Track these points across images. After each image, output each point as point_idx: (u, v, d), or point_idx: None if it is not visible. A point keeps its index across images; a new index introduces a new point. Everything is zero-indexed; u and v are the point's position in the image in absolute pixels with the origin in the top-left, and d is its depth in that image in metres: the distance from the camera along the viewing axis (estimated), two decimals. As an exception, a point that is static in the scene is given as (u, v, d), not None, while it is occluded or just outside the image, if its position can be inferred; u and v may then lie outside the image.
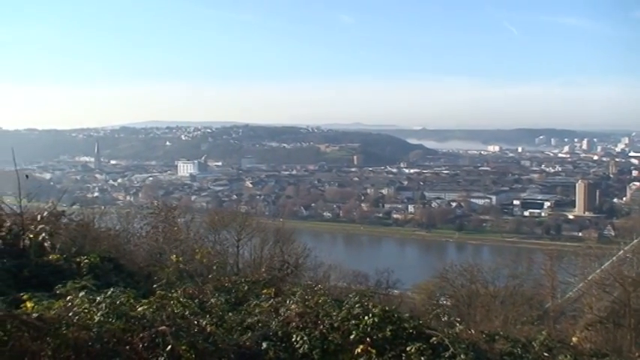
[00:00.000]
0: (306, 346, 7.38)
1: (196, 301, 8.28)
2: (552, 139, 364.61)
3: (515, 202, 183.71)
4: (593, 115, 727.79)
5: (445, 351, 7.35)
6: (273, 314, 8.27)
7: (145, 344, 6.27)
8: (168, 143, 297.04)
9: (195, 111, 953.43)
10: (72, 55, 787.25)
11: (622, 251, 48.21)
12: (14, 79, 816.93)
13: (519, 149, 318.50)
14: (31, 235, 11.16)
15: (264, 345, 7.25)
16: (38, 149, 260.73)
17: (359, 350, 7.30)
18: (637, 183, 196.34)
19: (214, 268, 13.71)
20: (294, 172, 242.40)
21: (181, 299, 7.63)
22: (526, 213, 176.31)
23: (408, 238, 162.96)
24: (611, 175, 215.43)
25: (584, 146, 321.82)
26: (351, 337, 7.48)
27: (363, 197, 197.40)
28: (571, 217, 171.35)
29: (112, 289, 7.26)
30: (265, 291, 10.43)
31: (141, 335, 6.33)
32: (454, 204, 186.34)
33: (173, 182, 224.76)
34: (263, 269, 16.98)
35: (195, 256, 15.39)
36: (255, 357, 7.11)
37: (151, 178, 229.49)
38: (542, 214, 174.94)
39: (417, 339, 7.57)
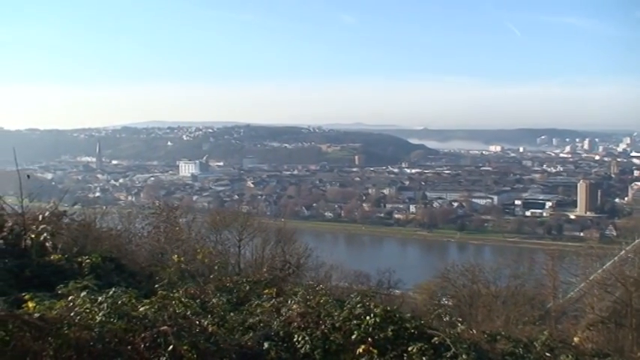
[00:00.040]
0: (308, 346, 7.38)
1: (198, 301, 8.28)
2: (554, 139, 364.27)
3: (517, 202, 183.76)
4: (594, 115, 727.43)
5: (447, 351, 7.34)
6: (274, 314, 8.27)
7: (147, 344, 6.26)
8: (169, 143, 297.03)
9: (196, 111, 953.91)
10: (73, 55, 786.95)
11: (624, 251, 48.16)
12: (16, 79, 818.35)
13: (521, 149, 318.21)
14: (33, 235, 11.16)
15: (266, 345, 7.25)
16: (40, 149, 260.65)
17: (360, 350, 7.29)
18: (639, 183, 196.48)
19: (216, 268, 13.71)
20: (295, 172, 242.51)
21: (183, 299, 7.63)
22: (528, 213, 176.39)
23: (409, 238, 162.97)
24: (613, 175, 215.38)
25: (586, 146, 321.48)
26: (353, 337, 7.48)
27: (364, 197, 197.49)
28: (573, 217, 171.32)
29: (113, 289, 7.26)
30: (267, 291, 10.43)
31: (142, 335, 6.33)
32: (456, 204, 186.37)
33: (174, 182, 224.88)
34: (264, 269, 16.98)
35: (197, 256, 15.39)
36: (256, 357, 7.11)
37: (152, 178, 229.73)
38: (544, 214, 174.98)
39: (418, 339, 7.56)
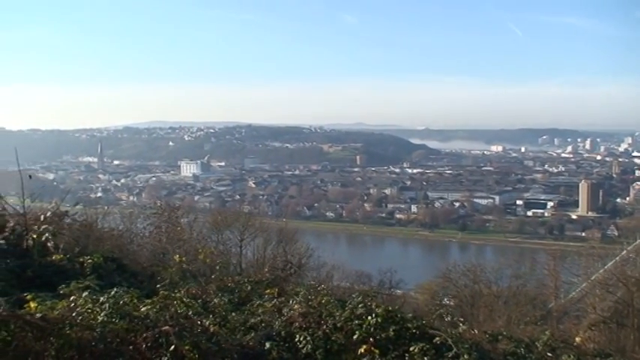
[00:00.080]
0: (310, 346, 7.38)
1: (199, 301, 8.28)
2: (555, 139, 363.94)
3: (519, 202, 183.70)
4: (596, 115, 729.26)
5: (448, 351, 7.34)
6: (276, 314, 8.27)
7: (149, 344, 6.27)
8: (171, 143, 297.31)
9: (198, 111, 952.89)
10: (75, 55, 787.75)
11: (625, 251, 48.35)
12: (18, 79, 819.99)
13: (522, 149, 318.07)
14: (35, 236, 11.15)
15: (268, 345, 7.25)
16: (41, 149, 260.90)
17: (362, 350, 7.29)
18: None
19: (217, 268, 13.70)
20: (297, 172, 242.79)
21: (184, 299, 7.63)
22: (529, 213, 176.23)
23: (410, 238, 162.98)
24: (615, 175, 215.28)
25: (588, 146, 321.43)
26: (354, 337, 7.48)
27: (365, 197, 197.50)
28: (574, 217, 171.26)
29: (115, 289, 7.26)
30: (268, 291, 10.43)
31: (144, 335, 6.33)
32: (457, 204, 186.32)
33: (176, 182, 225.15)
34: (266, 269, 16.95)
35: (199, 256, 15.38)
36: (258, 357, 7.11)
37: (154, 178, 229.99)
38: (546, 214, 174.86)
39: (420, 339, 7.56)
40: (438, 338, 7.55)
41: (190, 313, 7.27)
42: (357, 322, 7.68)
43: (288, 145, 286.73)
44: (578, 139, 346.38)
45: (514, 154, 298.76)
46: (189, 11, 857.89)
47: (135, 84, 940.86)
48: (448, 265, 46.81)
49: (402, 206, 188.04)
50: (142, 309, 6.86)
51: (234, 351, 6.80)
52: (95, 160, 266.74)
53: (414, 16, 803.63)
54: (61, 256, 10.83)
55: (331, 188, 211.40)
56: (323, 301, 8.38)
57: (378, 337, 7.48)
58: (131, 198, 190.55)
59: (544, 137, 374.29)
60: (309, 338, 7.47)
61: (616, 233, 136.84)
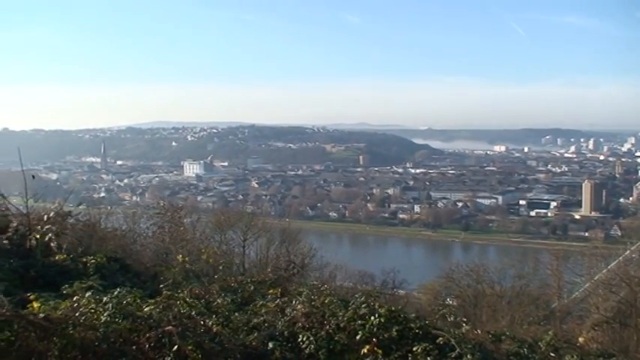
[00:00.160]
0: (313, 346, 7.38)
1: (203, 301, 8.28)
2: (558, 139, 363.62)
3: (522, 202, 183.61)
4: (599, 115, 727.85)
5: (451, 351, 7.34)
6: (279, 314, 8.26)
7: (152, 344, 6.27)
8: (174, 143, 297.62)
9: (201, 111, 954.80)
10: (78, 56, 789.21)
11: (628, 251, 48.24)
12: (20, 80, 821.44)
13: (525, 149, 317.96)
14: (38, 236, 11.18)
15: (271, 345, 7.25)
16: (45, 150, 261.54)
17: (365, 350, 7.29)
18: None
19: (220, 268, 13.73)
20: (300, 172, 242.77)
21: (188, 299, 7.64)
22: (532, 213, 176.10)
23: (414, 238, 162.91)
24: (618, 175, 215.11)
25: (591, 146, 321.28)
26: (358, 337, 7.47)
27: (369, 197, 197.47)
28: (577, 217, 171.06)
29: (118, 289, 7.27)
30: (271, 291, 10.42)
31: (147, 335, 6.34)
32: (460, 204, 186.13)
33: (179, 182, 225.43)
34: (269, 269, 17.00)
35: (202, 256, 15.40)
36: (261, 357, 7.11)
37: (157, 179, 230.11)
38: (549, 214, 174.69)
39: (423, 339, 7.56)
40: (441, 338, 7.55)
41: (193, 313, 7.28)
42: (360, 322, 7.68)
43: (291, 145, 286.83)
44: (581, 139, 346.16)
45: (517, 154, 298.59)
46: (188, 11, 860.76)
47: (136, 84, 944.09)
48: (451, 265, 46.75)
49: (405, 206, 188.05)
50: (145, 309, 6.87)
51: (237, 351, 6.81)
52: (98, 160, 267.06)
53: (416, 17, 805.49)
54: (64, 256, 10.86)
55: (334, 188, 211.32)
56: (326, 301, 8.37)
57: (381, 337, 7.47)
58: (134, 198, 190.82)
59: (547, 137, 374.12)
60: (312, 338, 7.47)
61: (619, 233, 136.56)
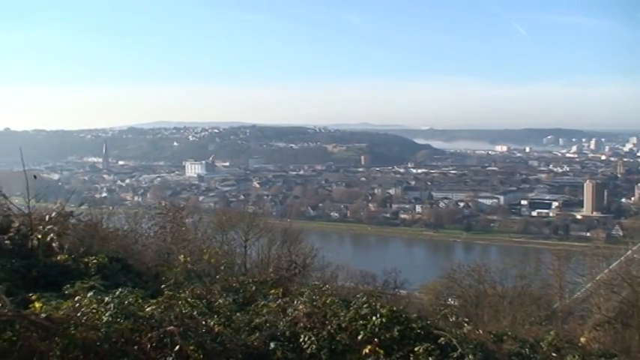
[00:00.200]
0: (314, 346, 7.38)
1: (204, 301, 8.28)
2: (560, 139, 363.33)
3: (523, 202, 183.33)
4: (601, 115, 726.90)
5: (453, 351, 7.33)
6: (280, 314, 8.27)
7: (153, 344, 6.28)
8: (175, 144, 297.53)
9: (202, 111, 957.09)
10: (79, 56, 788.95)
11: (630, 251, 48.19)
12: (22, 80, 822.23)
13: (527, 149, 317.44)
14: (40, 236, 11.19)
15: (272, 345, 7.25)
16: (46, 150, 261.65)
17: (367, 350, 7.29)
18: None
19: (222, 268, 13.72)
20: (301, 172, 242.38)
21: (189, 299, 7.64)
22: (534, 213, 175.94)
23: (415, 239, 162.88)
24: (619, 175, 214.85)
25: (592, 146, 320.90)
26: (359, 337, 7.47)
27: (370, 197, 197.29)
28: (579, 217, 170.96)
29: (120, 290, 7.28)
30: (273, 291, 10.42)
31: (149, 335, 6.34)
32: (462, 204, 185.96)
33: (181, 182, 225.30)
34: (270, 269, 16.97)
35: (203, 256, 15.40)
36: (262, 357, 7.12)
37: (158, 179, 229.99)
38: (550, 214, 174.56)
39: (424, 339, 7.56)
40: (442, 338, 7.54)
41: (195, 313, 7.28)
42: (361, 322, 7.68)
43: (292, 145, 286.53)
44: (583, 139, 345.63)
45: (519, 154, 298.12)
46: (189, 11, 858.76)
47: (137, 84, 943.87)
48: (453, 266, 46.81)
49: (407, 206, 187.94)
50: (147, 309, 6.88)
51: (238, 351, 6.81)
52: (100, 160, 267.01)
53: (417, 17, 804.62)
54: (66, 256, 10.87)
55: (336, 188, 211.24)
56: (327, 302, 8.37)
57: (382, 338, 7.48)
58: (136, 198, 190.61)
59: (549, 137, 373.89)
60: (313, 338, 7.47)
61: (621, 233, 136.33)
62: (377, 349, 7.30)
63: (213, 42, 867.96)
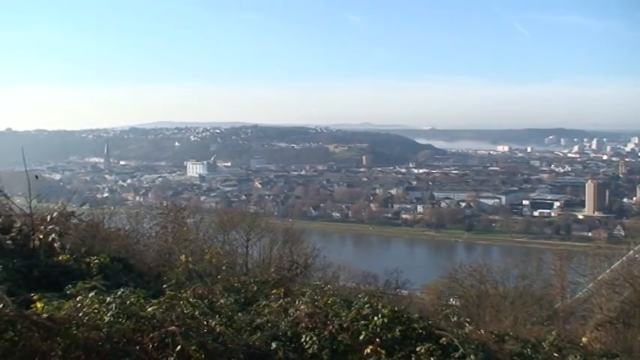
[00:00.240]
0: (316, 346, 7.37)
1: (206, 301, 8.27)
2: (562, 139, 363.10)
3: (525, 202, 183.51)
4: (602, 115, 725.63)
5: (455, 351, 7.32)
6: (282, 314, 8.26)
7: (155, 344, 6.27)
8: (177, 144, 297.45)
9: (204, 111, 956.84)
10: (80, 56, 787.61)
11: (632, 251, 48.16)
12: (24, 80, 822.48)
13: (529, 149, 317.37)
14: (41, 236, 11.19)
15: (274, 345, 7.24)
16: (48, 150, 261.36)
17: (368, 351, 7.28)
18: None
19: (223, 268, 13.70)
20: (303, 172, 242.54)
21: (191, 299, 7.63)
22: (535, 213, 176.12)
23: (417, 239, 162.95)
24: (621, 175, 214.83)
25: (594, 146, 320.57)
26: (361, 337, 7.46)
27: (371, 197, 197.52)
28: (581, 217, 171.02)
29: (121, 290, 7.26)
30: (274, 291, 10.40)
31: (151, 335, 6.33)
32: (463, 204, 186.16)
33: (182, 183, 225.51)
34: (272, 269, 16.98)
35: (205, 256, 15.38)
36: (264, 357, 7.11)
37: (160, 179, 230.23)
38: (552, 214, 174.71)
39: (426, 339, 7.55)
40: (444, 339, 7.53)
41: (197, 313, 7.27)
42: (363, 322, 7.67)
43: (294, 145, 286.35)
44: (585, 139, 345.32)
45: (520, 154, 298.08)
46: (189, 11, 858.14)
47: (138, 84, 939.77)
48: (454, 266, 46.84)
49: (408, 206, 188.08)
50: (149, 309, 6.86)
51: (240, 351, 6.80)
52: (101, 160, 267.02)
53: (419, 17, 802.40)
54: (68, 256, 10.86)
55: (337, 188, 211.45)
56: (329, 302, 8.36)
57: (384, 338, 7.47)
58: (137, 198, 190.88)
59: (550, 137, 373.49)
60: (315, 338, 7.46)
61: (623, 233, 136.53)
62: (378, 349, 7.29)
63: (213, 42, 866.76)
